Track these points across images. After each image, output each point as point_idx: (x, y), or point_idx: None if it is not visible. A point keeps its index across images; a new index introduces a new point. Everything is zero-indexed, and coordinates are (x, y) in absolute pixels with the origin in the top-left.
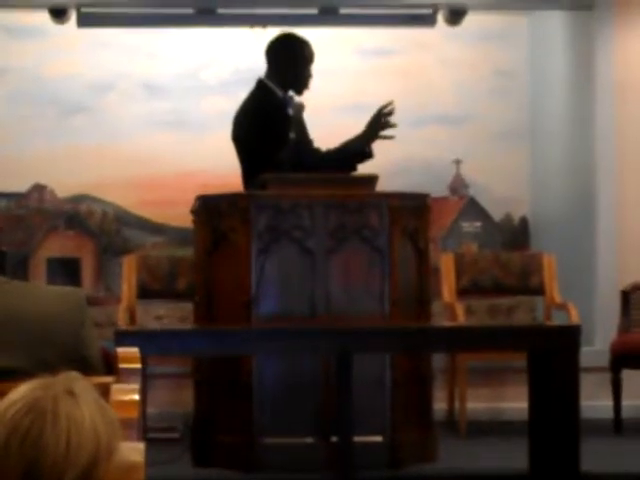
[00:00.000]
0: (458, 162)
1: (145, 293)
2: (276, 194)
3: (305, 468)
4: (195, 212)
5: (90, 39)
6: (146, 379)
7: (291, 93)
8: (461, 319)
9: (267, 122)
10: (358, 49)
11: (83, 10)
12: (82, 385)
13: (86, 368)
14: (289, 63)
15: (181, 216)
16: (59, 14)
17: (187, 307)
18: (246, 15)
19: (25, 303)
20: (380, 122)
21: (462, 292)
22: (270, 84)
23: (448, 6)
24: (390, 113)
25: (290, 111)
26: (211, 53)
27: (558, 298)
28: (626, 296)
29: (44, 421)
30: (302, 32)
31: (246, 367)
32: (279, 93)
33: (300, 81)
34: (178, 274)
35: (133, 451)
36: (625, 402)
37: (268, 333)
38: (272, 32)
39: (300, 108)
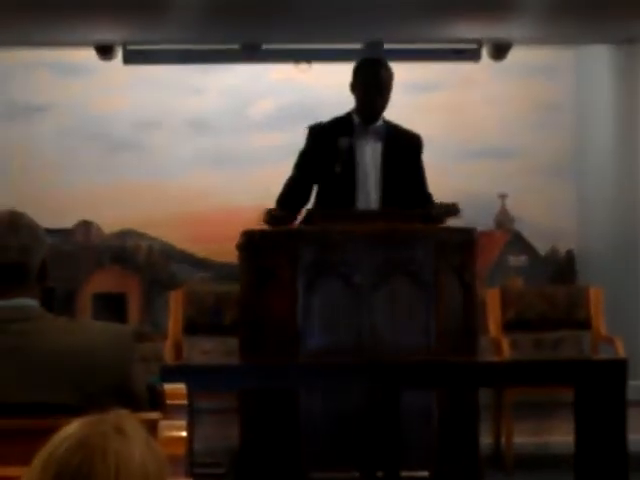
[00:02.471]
0: (503, 196)
1: (191, 328)
2: (322, 229)
3: None
4: (241, 247)
5: (136, 76)
6: (192, 414)
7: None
8: (507, 353)
9: (307, 149)
10: (403, 84)
11: (129, 47)
12: (131, 423)
13: (133, 404)
14: (353, 89)
15: (227, 252)
16: (105, 51)
17: (233, 342)
18: (291, 50)
19: (72, 339)
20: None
21: (508, 326)
22: (353, 114)
23: (493, 41)
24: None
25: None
26: (257, 89)
27: (605, 332)
28: None
29: (94, 459)
30: (347, 67)
31: (292, 401)
32: (356, 122)
33: (361, 107)
34: (224, 309)
35: None
36: None
37: (315, 368)
38: (317, 68)
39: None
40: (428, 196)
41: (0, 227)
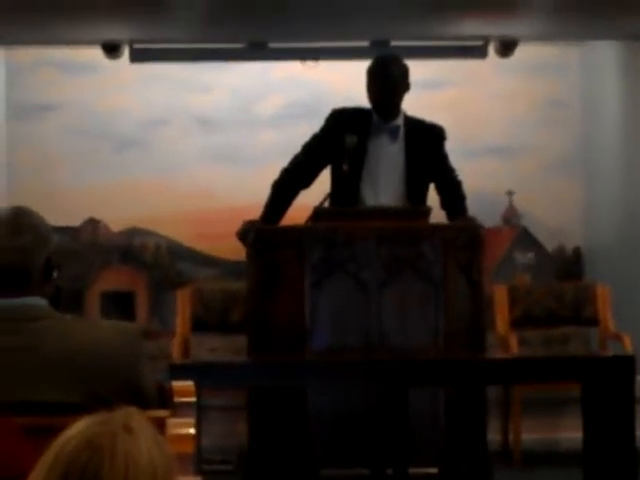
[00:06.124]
0: (511, 193)
1: (199, 326)
2: (329, 227)
3: None
4: (249, 245)
5: (143, 74)
6: (201, 412)
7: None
8: (515, 350)
9: (322, 134)
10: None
11: (135, 46)
12: (139, 421)
13: (142, 402)
14: (367, 89)
15: (234, 249)
16: (112, 50)
17: (240, 340)
18: (298, 49)
19: (81, 338)
20: None
21: (515, 323)
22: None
23: (499, 38)
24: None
25: (382, 140)
26: (264, 87)
27: (612, 328)
28: None
29: (102, 457)
30: (353, 65)
31: (301, 399)
32: (375, 119)
33: (374, 105)
34: (231, 307)
35: None
36: None
37: (323, 366)
38: (324, 66)
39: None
40: (458, 183)
41: (0, 227)
